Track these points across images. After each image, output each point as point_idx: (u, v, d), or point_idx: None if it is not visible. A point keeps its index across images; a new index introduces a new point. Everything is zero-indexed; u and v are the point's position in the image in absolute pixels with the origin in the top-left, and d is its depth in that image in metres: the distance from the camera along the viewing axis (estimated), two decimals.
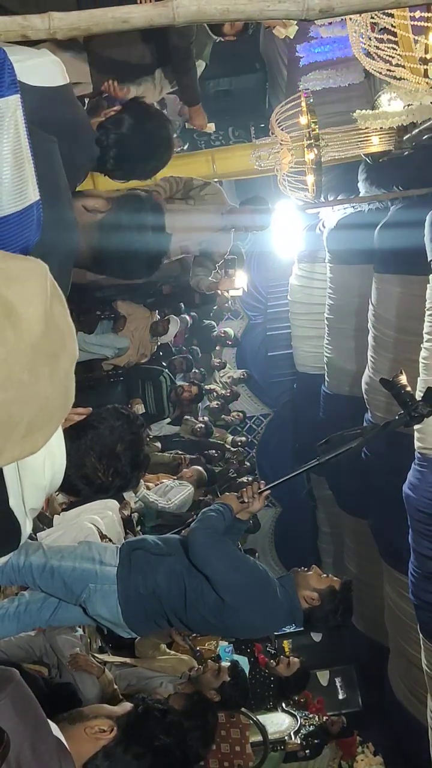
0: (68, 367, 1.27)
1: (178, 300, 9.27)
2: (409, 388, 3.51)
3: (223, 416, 10.97)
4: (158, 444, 8.16)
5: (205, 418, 9.85)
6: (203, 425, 9.43)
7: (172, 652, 4.82)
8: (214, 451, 9.61)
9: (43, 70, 2.25)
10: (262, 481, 3.63)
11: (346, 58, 5.94)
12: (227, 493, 3.77)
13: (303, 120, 5.09)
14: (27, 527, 1.86)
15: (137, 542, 3.40)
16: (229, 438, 10.82)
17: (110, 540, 4.29)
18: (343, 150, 5.41)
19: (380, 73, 3.03)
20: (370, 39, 2.95)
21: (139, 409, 7.37)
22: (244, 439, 11.58)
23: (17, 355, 1.15)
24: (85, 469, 2.07)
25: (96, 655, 4.30)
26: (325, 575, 3.35)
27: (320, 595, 3.23)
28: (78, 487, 2.10)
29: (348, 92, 6.20)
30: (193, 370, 9.43)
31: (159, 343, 8.48)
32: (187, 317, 9.81)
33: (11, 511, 1.77)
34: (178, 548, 3.26)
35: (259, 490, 3.47)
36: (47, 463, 1.81)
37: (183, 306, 9.56)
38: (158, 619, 3.24)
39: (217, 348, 11.64)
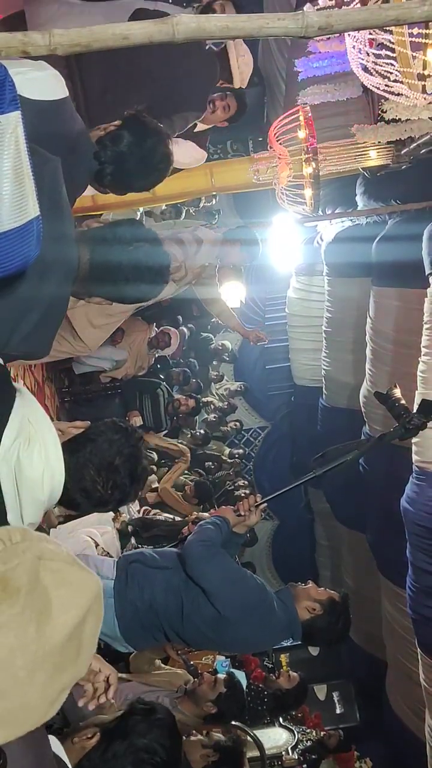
0: (68, 682, 1.28)
1: (176, 312, 9.27)
2: (403, 401, 3.51)
3: (220, 428, 10.95)
4: (154, 456, 8.15)
5: (203, 432, 9.85)
6: (203, 432, 9.49)
7: (167, 667, 4.79)
8: (211, 463, 9.60)
9: (42, 83, 2.26)
10: (259, 494, 3.62)
11: (345, 73, 5.96)
12: (224, 506, 3.75)
13: (301, 134, 5.11)
14: None
15: (134, 555, 3.39)
16: (227, 450, 10.80)
17: (108, 553, 4.28)
18: (341, 164, 5.43)
19: (378, 88, 3.05)
20: (368, 54, 2.97)
21: (137, 421, 7.36)
22: (241, 451, 11.55)
23: (27, 652, 1.18)
24: (84, 483, 2.06)
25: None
26: (321, 589, 3.35)
27: (322, 605, 3.22)
28: (77, 500, 2.09)
29: (346, 106, 6.22)
30: (190, 381, 9.43)
31: (157, 356, 8.47)
32: (185, 329, 9.81)
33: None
34: (175, 561, 3.25)
35: (256, 503, 3.46)
36: (46, 477, 1.80)
37: (181, 318, 9.56)
38: (155, 633, 3.23)
39: (215, 362, 11.64)
